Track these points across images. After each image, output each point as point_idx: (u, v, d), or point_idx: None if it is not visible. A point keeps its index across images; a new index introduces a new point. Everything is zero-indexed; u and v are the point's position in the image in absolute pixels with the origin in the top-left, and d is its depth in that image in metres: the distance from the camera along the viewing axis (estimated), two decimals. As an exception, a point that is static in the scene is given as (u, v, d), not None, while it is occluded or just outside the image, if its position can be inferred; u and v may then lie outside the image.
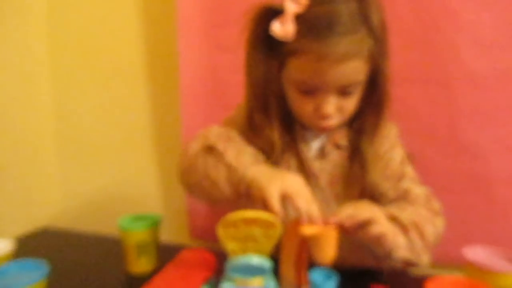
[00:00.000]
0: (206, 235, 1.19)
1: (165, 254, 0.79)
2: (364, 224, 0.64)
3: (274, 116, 0.76)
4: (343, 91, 0.70)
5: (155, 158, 1.29)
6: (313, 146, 0.80)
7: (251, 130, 0.78)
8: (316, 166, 0.78)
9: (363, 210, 0.64)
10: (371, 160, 0.76)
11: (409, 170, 0.80)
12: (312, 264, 0.63)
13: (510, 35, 0.91)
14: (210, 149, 0.72)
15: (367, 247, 0.70)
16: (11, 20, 1.25)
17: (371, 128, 0.77)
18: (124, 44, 1.27)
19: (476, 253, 0.70)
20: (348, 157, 0.79)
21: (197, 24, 1.11)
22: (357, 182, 0.76)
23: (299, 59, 0.69)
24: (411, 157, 0.82)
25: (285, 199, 0.62)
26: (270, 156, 0.75)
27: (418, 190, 0.78)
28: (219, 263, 0.70)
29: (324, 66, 0.67)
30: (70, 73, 1.35)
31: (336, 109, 0.72)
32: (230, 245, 0.60)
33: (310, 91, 0.71)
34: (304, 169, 0.78)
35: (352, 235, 0.65)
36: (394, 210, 0.72)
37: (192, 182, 0.74)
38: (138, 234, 0.78)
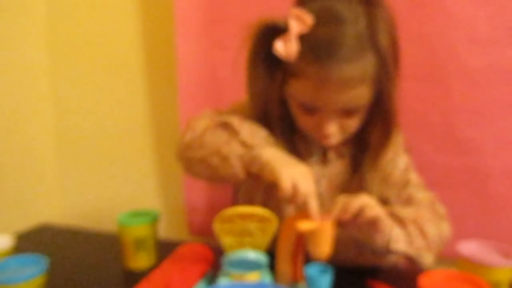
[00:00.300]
0: (204, 231, 1.20)
1: (164, 250, 0.80)
2: (358, 213, 0.63)
3: (275, 124, 0.74)
4: (346, 112, 0.68)
5: (153, 156, 1.30)
6: (315, 151, 0.79)
7: None
8: (317, 171, 0.77)
9: (355, 200, 0.64)
10: (371, 177, 0.75)
11: (414, 177, 0.80)
12: (308, 259, 0.63)
13: (505, 32, 0.91)
14: (224, 125, 0.71)
15: (365, 242, 0.70)
16: (10, 19, 1.26)
17: (375, 148, 0.75)
18: (123, 43, 1.28)
19: (469, 248, 0.71)
20: (349, 166, 0.78)
21: (195, 21, 1.12)
22: (356, 190, 0.74)
23: (300, 80, 0.67)
24: (408, 151, 0.83)
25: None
26: None
27: (422, 195, 0.78)
28: (216, 258, 0.70)
29: (325, 91, 0.65)
30: (69, 71, 1.35)
31: (338, 129, 0.70)
32: (226, 240, 0.61)
33: (312, 109, 0.69)
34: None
35: (348, 228, 0.66)
36: (392, 208, 0.72)
37: (196, 158, 0.72)
38: (136, 230, 0.79)
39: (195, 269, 0.67)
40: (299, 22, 0.65)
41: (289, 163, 0.64)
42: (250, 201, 0.81)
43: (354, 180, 0.77)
